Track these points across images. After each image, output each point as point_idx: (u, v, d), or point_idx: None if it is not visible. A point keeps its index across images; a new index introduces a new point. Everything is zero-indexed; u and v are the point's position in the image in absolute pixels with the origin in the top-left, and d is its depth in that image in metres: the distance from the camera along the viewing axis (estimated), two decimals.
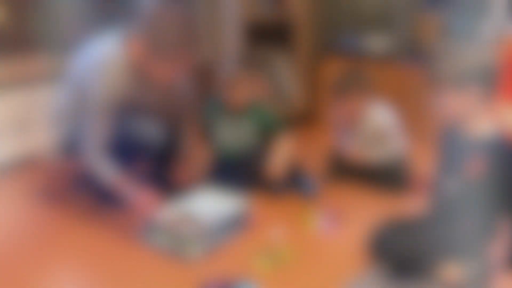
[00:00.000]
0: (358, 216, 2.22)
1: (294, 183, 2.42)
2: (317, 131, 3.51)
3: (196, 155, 2.42)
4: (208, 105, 2.31)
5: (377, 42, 3.23)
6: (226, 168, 2.39)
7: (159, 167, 2.37)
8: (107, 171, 1.97)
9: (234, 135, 2.31)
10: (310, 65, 3.57)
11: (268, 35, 3.73)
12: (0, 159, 2.66)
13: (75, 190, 2.33)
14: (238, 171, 2.37)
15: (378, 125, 2.35)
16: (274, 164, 2.26)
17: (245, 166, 2.36)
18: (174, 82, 2.10)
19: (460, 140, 1.60)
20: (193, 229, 1.91)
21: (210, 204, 2.21)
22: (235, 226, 2.08)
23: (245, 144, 2.32)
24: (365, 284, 1.73)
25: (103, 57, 1.97)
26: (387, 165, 2.42)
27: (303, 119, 3.61)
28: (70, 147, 2.15)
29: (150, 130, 2.18)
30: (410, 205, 2.26)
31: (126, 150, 2.08)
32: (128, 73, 2.00)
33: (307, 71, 3.53)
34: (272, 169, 2.24)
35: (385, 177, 2.43)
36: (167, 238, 1.94)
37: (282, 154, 2.29)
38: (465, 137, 1.59)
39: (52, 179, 2.45)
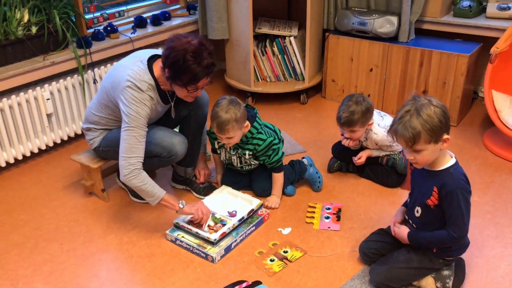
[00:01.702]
0: (359, 212, 2.46)
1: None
2: (324, 103, 3.72)
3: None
4: (211, 128, 2.49)
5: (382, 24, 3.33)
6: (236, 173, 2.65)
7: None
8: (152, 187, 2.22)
9: (232, 156, 2.54)
10: (318, 42, 3.71)
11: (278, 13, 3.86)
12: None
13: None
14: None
15: (379, 140, 2.55)
16: (271, 202, 2.51)
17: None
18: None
19: (423, 173, 1.87)
20: None
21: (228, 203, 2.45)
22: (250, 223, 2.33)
23: (244, 164, 2.55)
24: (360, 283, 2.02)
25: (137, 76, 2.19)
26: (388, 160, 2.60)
27: (312, 91, 3.80)
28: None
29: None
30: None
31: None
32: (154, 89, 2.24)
33: (316, 47, 3.66)
34: (270, 205, 2.50)
35: (386, 171, 2.62)
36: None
37: (276, 192, 2.53)
38: (425, 171, 1.86)
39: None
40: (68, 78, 2.98)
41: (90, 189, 2.63)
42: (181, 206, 2.24)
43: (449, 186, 1.75)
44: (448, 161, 1.80)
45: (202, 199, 2.50)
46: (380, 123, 2.54)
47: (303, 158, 2.70)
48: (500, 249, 2.17)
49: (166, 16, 3.60)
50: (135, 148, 2.19)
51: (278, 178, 2.49)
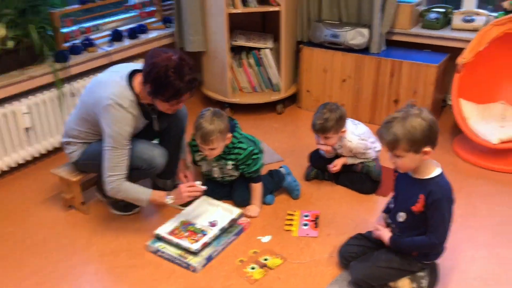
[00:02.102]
0: (336, 219, 2.54)
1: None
2: (300, 113, 3.82)
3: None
4: (192, 141, 2.56)
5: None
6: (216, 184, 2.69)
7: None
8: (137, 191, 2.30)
9: (213, 168, 2.59)
10: (293, 53, 3.80)
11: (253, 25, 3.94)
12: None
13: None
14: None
15: (354, 147, 2.64)
16: (251, 211, 2.57)
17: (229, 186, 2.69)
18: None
19: (408, 180, 1.95)
20: None
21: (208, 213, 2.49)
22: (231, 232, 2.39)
23: (225, 175, 2.61)
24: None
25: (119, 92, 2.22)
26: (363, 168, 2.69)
27: (287, 101, 3.88)
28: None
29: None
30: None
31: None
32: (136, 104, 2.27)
33: (290, 58, 3.76)
34: (250, 214, 2.56)
35: (361, 178, 2.70)
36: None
37: (256, 201, 2.58)
38: (411, 178, 1.93)
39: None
40: (46, 92, 2.99)
41: (69, 202, 2.63)
42: (170, 202, 2.33)
43: (436, 195, 1.83)
44: (434, 171, 1.88)
45: (182, 209, 2.54)
46: (354, 131, 2.63)
47: (280, 167, 2.77)
48: (471, 251, 2.27)
49: (143, 29, 3.64)
50: (117, 167, 2.24)
51: (257, 188, 2.55)
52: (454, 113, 3.04)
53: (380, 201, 2.65)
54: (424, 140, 1.78)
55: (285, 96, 3.74)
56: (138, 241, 2.38)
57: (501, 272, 2.14)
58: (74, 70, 3.11)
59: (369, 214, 2.54)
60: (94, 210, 2.65)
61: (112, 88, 2.21)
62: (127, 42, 3.47)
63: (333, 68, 3.57)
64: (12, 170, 3.01)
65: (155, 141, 2.62)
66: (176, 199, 2.34)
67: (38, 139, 3.03)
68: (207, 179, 2.68)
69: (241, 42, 3.69)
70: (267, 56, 3.67)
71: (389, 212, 2.08)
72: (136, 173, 2.39)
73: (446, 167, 1.89)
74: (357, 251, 2.10)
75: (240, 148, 2.48)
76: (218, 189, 2.64)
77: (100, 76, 2.38)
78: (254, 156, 2.50)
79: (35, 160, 3.13)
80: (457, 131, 3.31)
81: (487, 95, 3.18)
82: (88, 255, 2.32)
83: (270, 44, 3.70)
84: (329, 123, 2.51)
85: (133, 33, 3.52)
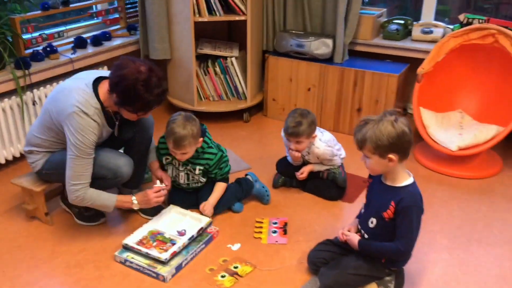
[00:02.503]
0: (305, 225, 2.57)
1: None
2: (266, 121, 3.86)
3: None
4: (159, 144, 2.57)
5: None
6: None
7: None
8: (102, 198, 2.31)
9: (180, 173, 2.59)
10: (259, 62, 3.84)
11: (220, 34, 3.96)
12: None
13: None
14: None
15: (321, 154, 2.69)
16: (206, 207, 2.56)
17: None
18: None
19: (381, 187, 2.00)
20: None
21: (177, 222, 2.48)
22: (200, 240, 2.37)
23: (191, 181, 2.61)
24: None
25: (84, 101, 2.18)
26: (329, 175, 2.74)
27: (254, 109, 3.91)
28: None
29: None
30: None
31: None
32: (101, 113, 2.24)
33: (256, 67, 3.80)
34: (205, 209, 2.55)
35: (327, 185, 2.75)
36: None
37: (214, 198, 2.58)
38: (384, 185, 1.99)
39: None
40: (6, 99, 2.89)
41: (32, 213, 2.56)
42: (137, 208, 2.40)
43: (406, 202, 1.88)
44: (407, 179, 1.94)
45: (150, 219, 2.51)
46: (321, 138, 2.69)
47: (246, 175, 2.78)
48: (433, 254, 2.35)
49: (107, 37, 3.59)
50: (81, 175, 2.21)
51: (222, 186, 2.59)
52: (415, 121, 3.14)
53: (346, 207, 2.71)
54: (390, 147, 1.84)
55: (251, 104, 3.77)
56: (106, 252, 2.34)
57: (461, 274, 2.22)
58: (36, 78, 3.03)
59: (336, 220, 2.59)
60: (59, 220, 2.58)
61: (77, 95, 2.17)
62: (90, 49, 3.42)
63: (298, 77, 3.63)
64: None
65: (121, 150, 2.58)
66: (144, 204, 2.36)
67: None
68: (173, 187, 2.66)
69: (207, 50, 3.70)
70: (233, 64, 3.69)
71: None
72: (101, 182, 2.35)
73: None
74: (326, 256, 2.14)
75: (210, 153, 2.49)
76: (184, 198, 2.63)
77: (64, 83, 2.34)
78: (225, 159, 2.56)
79: None
80: (418, 139, 3.42)
81: (446, 104, 3.31)
82: (53, 267, 2.25)
83: (236, 52, 3.73)
84: (302, 127, 2.56)
85: (97, 40, 3.47)
